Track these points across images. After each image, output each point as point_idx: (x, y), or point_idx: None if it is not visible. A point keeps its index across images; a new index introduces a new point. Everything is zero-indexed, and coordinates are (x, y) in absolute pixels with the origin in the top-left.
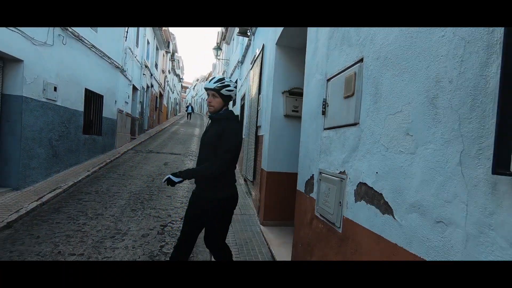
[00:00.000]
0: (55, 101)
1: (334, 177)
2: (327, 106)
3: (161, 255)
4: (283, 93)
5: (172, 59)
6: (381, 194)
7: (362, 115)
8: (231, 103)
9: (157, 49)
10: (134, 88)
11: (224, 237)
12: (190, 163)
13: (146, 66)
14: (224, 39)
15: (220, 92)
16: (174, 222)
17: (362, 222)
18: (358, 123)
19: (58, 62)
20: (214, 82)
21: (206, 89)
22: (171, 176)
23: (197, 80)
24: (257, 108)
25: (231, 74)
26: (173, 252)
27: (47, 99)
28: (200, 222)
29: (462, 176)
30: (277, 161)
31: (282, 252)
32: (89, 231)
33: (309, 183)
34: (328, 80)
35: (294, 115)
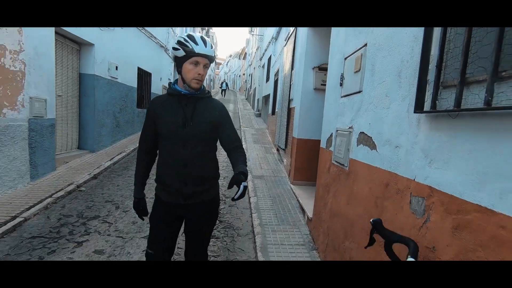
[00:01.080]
0: (116, 78)
1: (345, 132)
2: (344, 79)
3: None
4: (313, 68)
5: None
6: (371, 137)
7: (364, 85)
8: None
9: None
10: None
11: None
12: None
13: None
14: None
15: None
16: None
17: (360, 159)
18: (362, 91)
19: (117, 44)
20: (212, 48)
21: (205, 56)
22: (244, 184)
23: (230, 56)
24: (290, 82)
25: (265, 50)
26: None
27: (111, 77)
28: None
29: (408, 118)
30: (306, 130)
31: (308, 203)
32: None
33: (329, 140)
34: (345, 59)
35: (322, 88)
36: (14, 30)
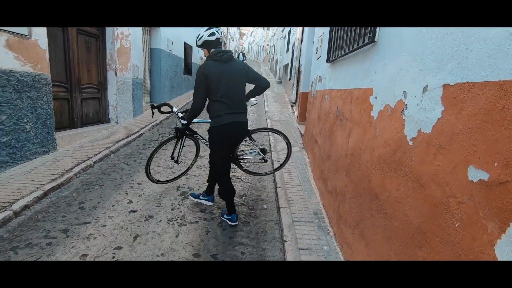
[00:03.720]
0: (172, 51)
1: (316, 78)
2: (317, 49)
3: None
4: (313, 42)
5: None
6: (320, 76)
7: (321, 53)
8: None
9: None
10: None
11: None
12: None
13: None
14: None
15: (197, 45)
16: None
17: (318, 89)
18: (320, 56)
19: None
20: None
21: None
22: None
23: None
24: (300, 52)
25: None
26: None
27: (169, 50)
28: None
29: (326, 65)
30: (307, 86)
31: (303, 129)
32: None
33: (311, 85)
34: (319, 38)
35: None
36: None
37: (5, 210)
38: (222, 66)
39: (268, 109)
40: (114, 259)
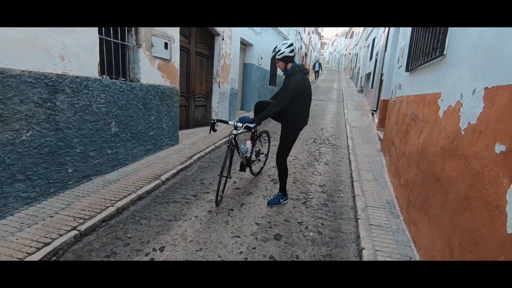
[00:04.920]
0: (260, 65)
1: (396, 85)
2: (399, 59)
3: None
4: (395, 52)
5: None
6: (400, 84)
7: (402, 62)
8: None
9: None
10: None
11: (283, 157)
12: (332, 105)
13: (298, 32)
14: None
15: (276, 58)
16: (323, 129)
17: (397, 95)
18: (401, 66)
19: (262, 42)
20: (272, 53)
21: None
22: (248, 124)
23: (337, 35)
24: (383, 61)
25: (370, 31)
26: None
27: (258, 64)
28: None
29: (405, 73)
30: (388, 93)
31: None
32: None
33: (392, 93)
34: (401, 49)
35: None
36: (229, 41)
37: (157, 179)
38: (306, 79)
39: (348, 116)
40: (229, 216)
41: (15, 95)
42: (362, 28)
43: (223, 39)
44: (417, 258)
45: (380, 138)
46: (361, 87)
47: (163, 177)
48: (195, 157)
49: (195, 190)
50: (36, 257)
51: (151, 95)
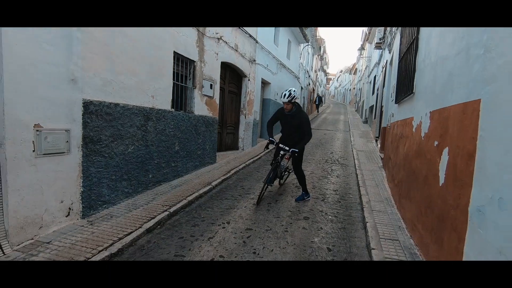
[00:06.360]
0: (276, 99)
1: (390, 115)
2: (392, 93)
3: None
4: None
5: (321, 58)
6: (392, 113)
7: (394, 96)
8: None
9: (312, 55)
10: (301, 88)
11: (300, 167)
12: (340, 134)
13: (307, 71)
14: (367, 40)
15: (291, 102)
16: (333, 153)
17: (390, 122)
18: (393, 99)
19: (278, 80)
20: (287, 97)
21: (284, 102)
22: (294, 149)
23: (341, 71)
24: (382, 95)
25: (372, 70)
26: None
27: (274, 99)
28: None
29: (395, 104)
30: (386, 121)
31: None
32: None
33: (387, 121)
34: (393, 86)
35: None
36: (253, 81)
37: (209, 185)
38: None
39: (354, 143)
40: (269, 206)
41: (128, 121)
42: (364, 67)
43: (248, 79)
44: (404, 226)
45: (381, 158)
46: (366, 118)
47: (213, 184)
48: (232, 171)
49: (238, 192)
50: (149, 224)
51: (200, 123)
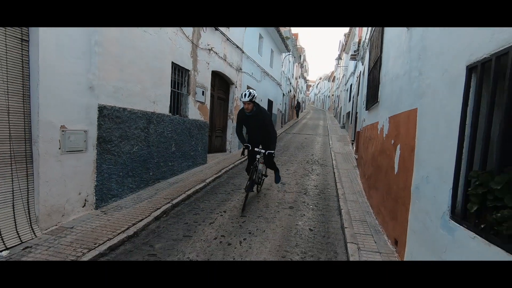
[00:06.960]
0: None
1: (363, 120)
2: (364, 102)
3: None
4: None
5: (302, 66)
6: (364, 119)
7: (365, 104)
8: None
9: (293, 63)
10: (283, 95)
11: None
12: (320, 138)
13: (288, 79)
14: (344, 50)
15: (252, 101)
16: (313, 155)
17: (362, 126)
18: (365, 108)
19: (262, 88)
20: (248, 97)
21: (244, 102)
22: (270, 151)
23: (320, 78)
24: (356, 103)
25: (348, 79)
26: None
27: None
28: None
29: (364, 109)
30: (360, 125)
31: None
32: (296, 154)
33: (361, 125)
34: (364, 95)
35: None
36: (240, 88)
37: (203, 182)
38: None
39: (332, 146)
40: (259, 199)
41: (133, 124)
42: (341, 75)
43: (236, 87)
44: (371, 212)
45: (356, 159)
46: (343, 124)
47: (207, 181)
48: (223, 171)
49: (230, 188)
50: (157, 213)
51: (193, 127)
